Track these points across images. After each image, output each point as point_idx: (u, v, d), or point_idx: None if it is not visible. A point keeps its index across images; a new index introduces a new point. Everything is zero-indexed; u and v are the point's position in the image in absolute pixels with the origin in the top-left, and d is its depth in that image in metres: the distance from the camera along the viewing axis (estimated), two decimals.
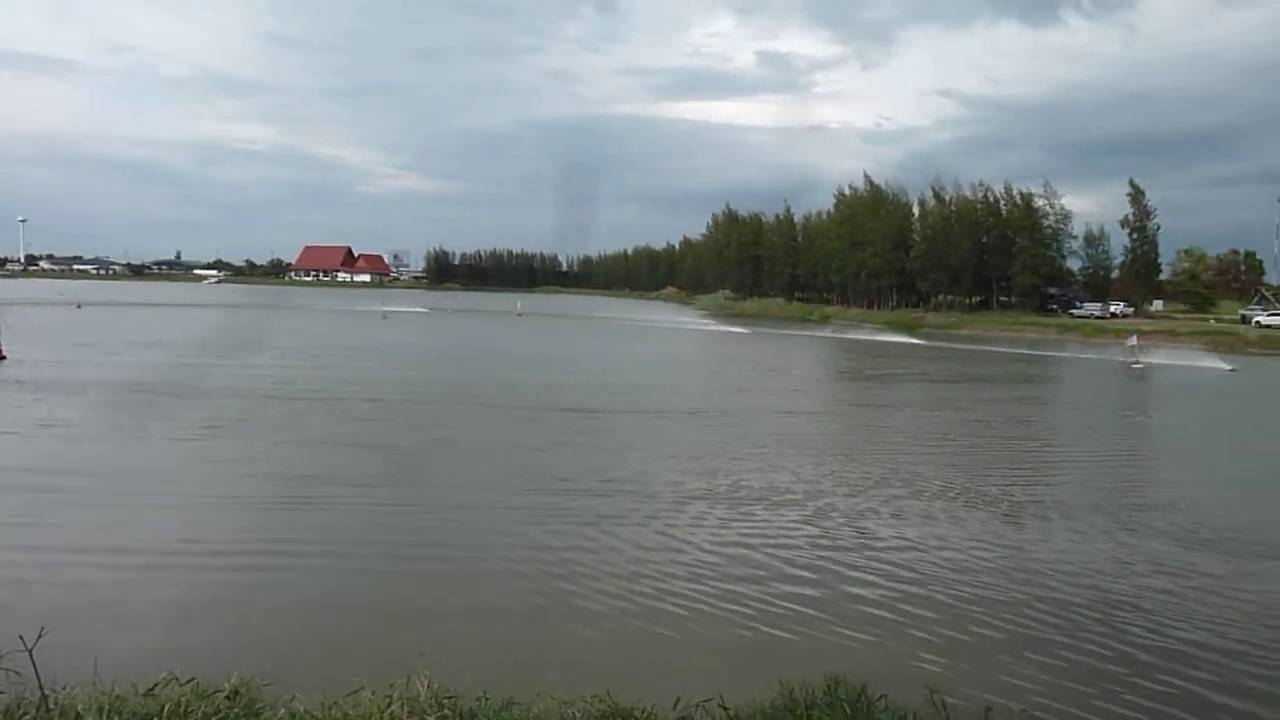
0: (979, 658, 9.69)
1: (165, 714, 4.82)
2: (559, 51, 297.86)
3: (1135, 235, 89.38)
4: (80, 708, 4.81)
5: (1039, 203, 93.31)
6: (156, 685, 5.19)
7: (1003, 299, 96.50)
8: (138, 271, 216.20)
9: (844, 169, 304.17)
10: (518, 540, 13.58)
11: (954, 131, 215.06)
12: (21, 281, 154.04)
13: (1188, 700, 8.82)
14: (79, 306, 76.53)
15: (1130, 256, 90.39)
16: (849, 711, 5.44)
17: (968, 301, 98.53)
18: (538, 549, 13.18)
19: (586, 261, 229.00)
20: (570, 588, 11.50)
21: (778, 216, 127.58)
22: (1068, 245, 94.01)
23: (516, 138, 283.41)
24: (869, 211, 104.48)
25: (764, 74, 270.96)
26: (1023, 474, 19.90)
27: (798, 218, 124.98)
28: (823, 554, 13.24)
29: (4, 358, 35.32)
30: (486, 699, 5.33)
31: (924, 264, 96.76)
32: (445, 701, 5.24)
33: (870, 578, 12.27)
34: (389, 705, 5.17)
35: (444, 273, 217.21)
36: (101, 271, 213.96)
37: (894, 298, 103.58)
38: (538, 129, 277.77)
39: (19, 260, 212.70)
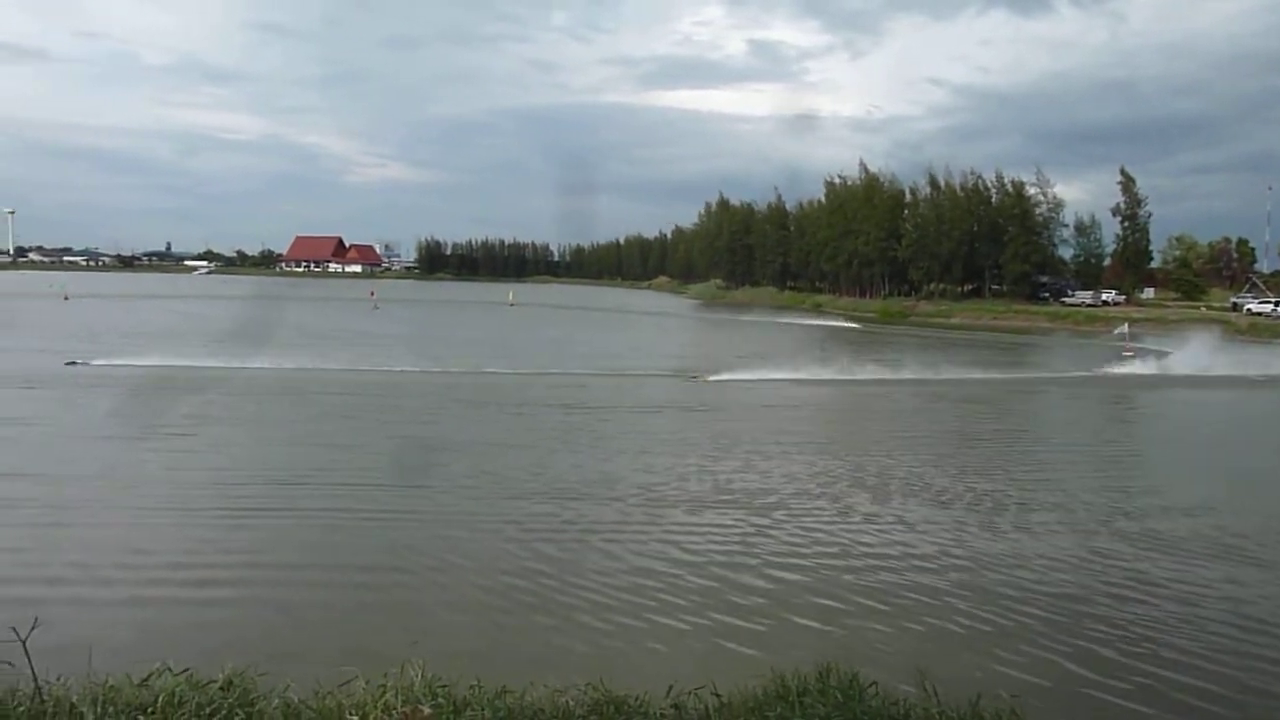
0: (969, 647, 9.78)
1: (160, 704, 4.81)
2: (544, 41, 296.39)
3: (1126, 223, 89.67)
4: (75, 699, 4.80)
5: (1030, 191, 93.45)
6: (150, 676, 5.18)
7: (994, 287, 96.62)
8: (127, 263, 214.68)
9: (833, 158, 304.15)
10: (505, 535, 13.63)
11: (942, 120, 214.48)
12: (11, 274, 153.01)
13: (1180, 687, 8.93)
14: (66, 298, 76.11)
15: (1121, 244, 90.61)
16: (840, 698, 5.48)
17: (959, 290, 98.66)
18: (523, 545, 13.22)
19: (578, 251, 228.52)
20: (556, 582, 11.50)
21: (769, 205, 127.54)
22: (1059, 233, 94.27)
23: (498, 127, 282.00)
24: (861, 200, 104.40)
25: (754, 63, 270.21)
26: (1010, 466, 19.99)
27: (789, 206, 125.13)
28: (807, 543, 13.33)
29: None
30: (480, 687, 5.35)
31: (915, 252, 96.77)
32: (439, 690, 5.26)
33: (857, 566, 12.38)
34: (383, 694, 5.17)
35: (435, 263, 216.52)
36: (91, 263, 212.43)
37: (885, 286, 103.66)
38: (520, 119, 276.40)
39: (8, 252, 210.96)
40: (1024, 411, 30.94)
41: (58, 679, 5.01)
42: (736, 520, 14.45)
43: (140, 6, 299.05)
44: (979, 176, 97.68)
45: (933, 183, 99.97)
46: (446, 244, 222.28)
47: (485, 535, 13.51)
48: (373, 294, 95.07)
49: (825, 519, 14.70)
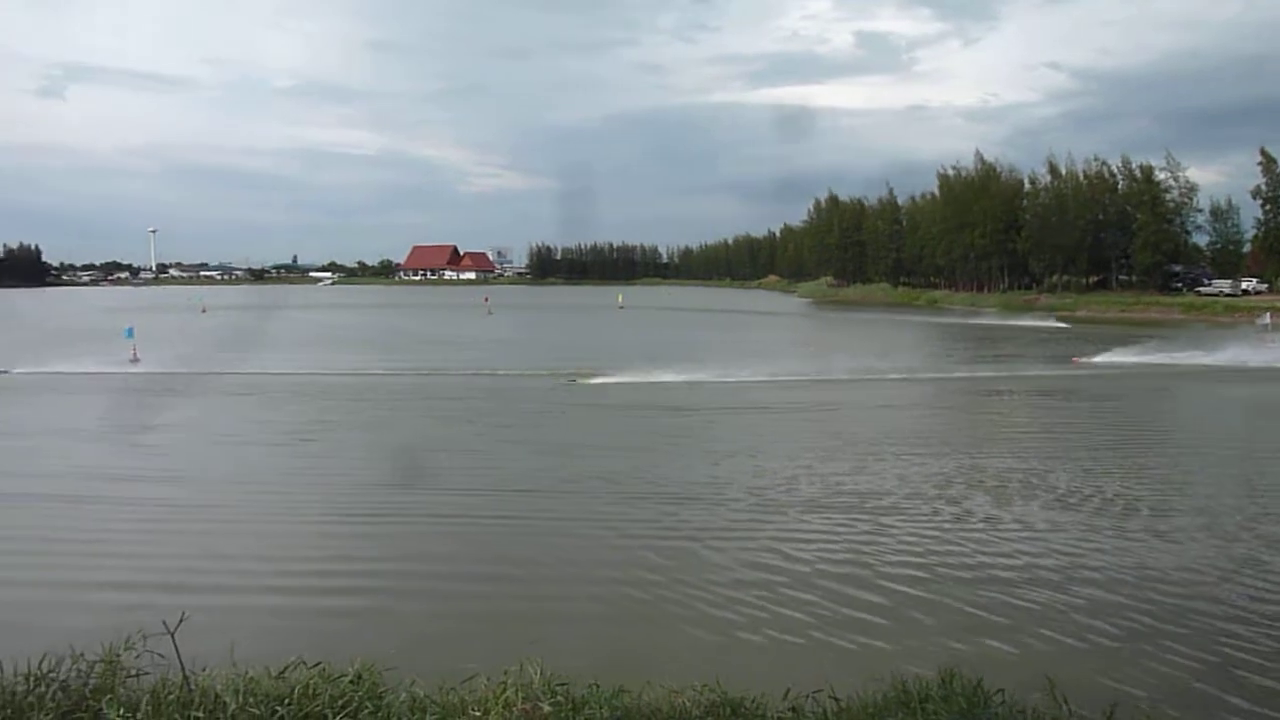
0: (1099, 658, 9.28)
1: (295, 696, 5.06)
2: (651, 44, 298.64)
3: (1268, 206, 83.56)
4: (219, 689, 5.09)
5: (1160, 176, 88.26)
6: (286, 669, 5.45)
7: (1122, 278, 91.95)
8: (258, 276, 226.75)
9: (946, 149, 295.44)
10: (620, 538, 13.75)
11: (1062, 105, 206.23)
12: (155, 289, 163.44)
13: None
14: (204, 310, 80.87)
15: (1263, 230, 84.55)
16: (965, 705, 5.32)
17: (1084, 282, 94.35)
18: (632, 548, 13.30)
19: (686, 253, 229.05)
20: (666, 587, 11.49)
21: (880, 200, 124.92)
22: (1192, 220, 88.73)
23: (607, 132, 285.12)
24: (976, 191, 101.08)
25: (862, 55, 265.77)
26: (1143, 465, 18.99)
27: (901, 200, 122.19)
28: (929, 547, 12.93)
29: (138, 360, 37.64)
30: (597, 687, 5.41)
31: (1036, 244, 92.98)
32: (558, 689, 5.35)
33: (980, 571, 11.93)
34: (503, 691, 5.30)
35: (546, 268, 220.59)
36: (225, 277, 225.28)
37: (1004, 280, 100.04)
38: (629, 122, 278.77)
39: (151, 269, 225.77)
40: (1157, 408, 29.35)
41: (203, 670, 5.32)
42: (848, 523, 14.13)
43: (269, 33, 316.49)
44: (1104, 162, 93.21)
45: (1053, 170, 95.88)
46: (556, 249, 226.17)
47: (596, 539, 13.61)
48: (486, 300, 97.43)
49: (941, 522, 14.23)
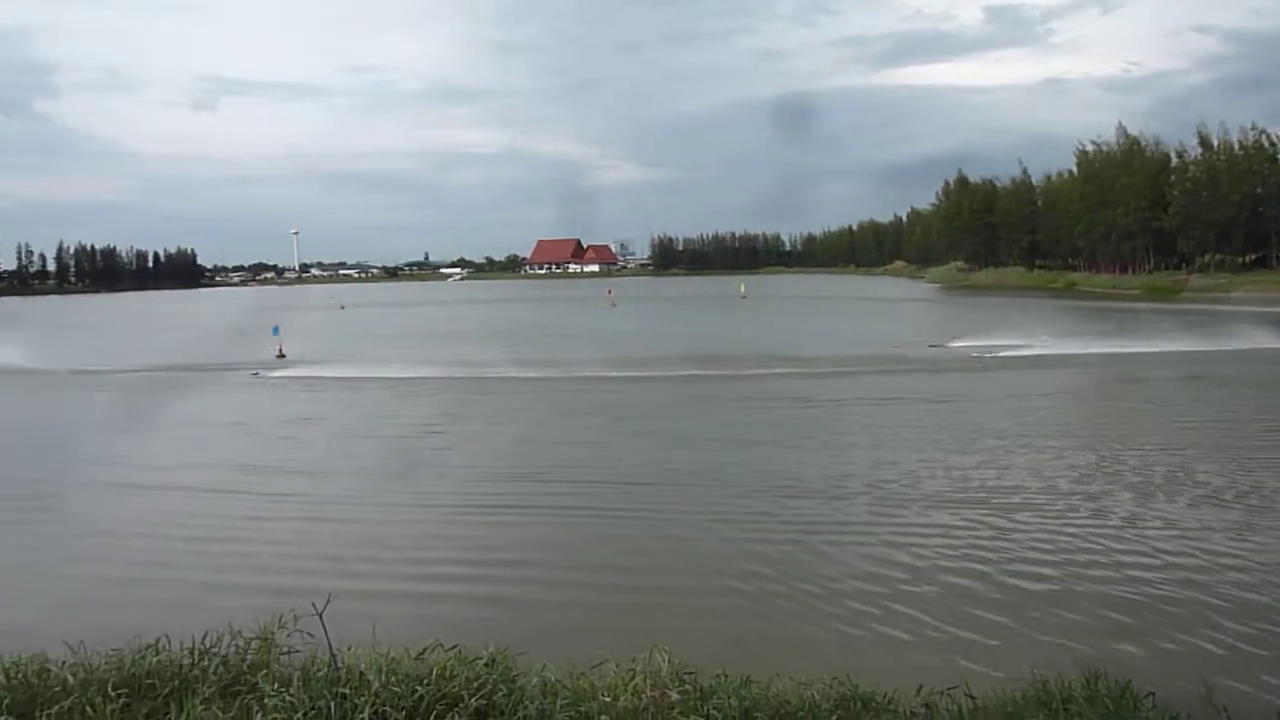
0: (1261, 665, 8.61)
1: (434, 676, 5.28)
2: (770, 30, 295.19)
3: None
4: (363, 667, 5.36)
5: None
6: (425, 650, 5.69)
7: None
8: (392, 273, 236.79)
9: (1085, 123, 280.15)
10: (757, 525, 13.68)
11: (1212, 71, 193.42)
12: (297, 288, 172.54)
13: None
14: (342, 307, 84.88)
15: None
16: (1111, 708, 5.07)
17: (1240, 260, 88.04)
18: (774, 536, 13.21)
19: (809, 240, 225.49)
20: (781, 584, 11.32)
21: (1013, 180, 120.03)
22: None
23: (726, 121, 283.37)
24: (1118, 167, 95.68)
25: (991, 30, 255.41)
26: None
27: (1035, 179, 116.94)
28: (1063, 545, 12.28)
29: (284, 356, 39.81)
30: (725, 677, 5.42)
31: (1184, 221, 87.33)
32: (686, 677, 5.39)
33: (1119, 571, 11.21)
34: (632, 678, 5.37)
35: (668, 259, 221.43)
36: (362, 275, 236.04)
37: (1149, 260, 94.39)
38: (748, 110, 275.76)
39: (294, 269, 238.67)
40: None
41: (348, 649, 5.60)
42: (974, 519, 13.51)
43: (397, 38, 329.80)
44: (1262, 131, 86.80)
45: (1204, 142, 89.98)
46: (678, 240, 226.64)
47: (714, 531, 13.54)
48: (609, 292, 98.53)
49: (1077, 519, 13.39)
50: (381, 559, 12.57)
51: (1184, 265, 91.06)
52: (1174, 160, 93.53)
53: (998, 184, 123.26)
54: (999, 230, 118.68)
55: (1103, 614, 9.92)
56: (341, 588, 8.42)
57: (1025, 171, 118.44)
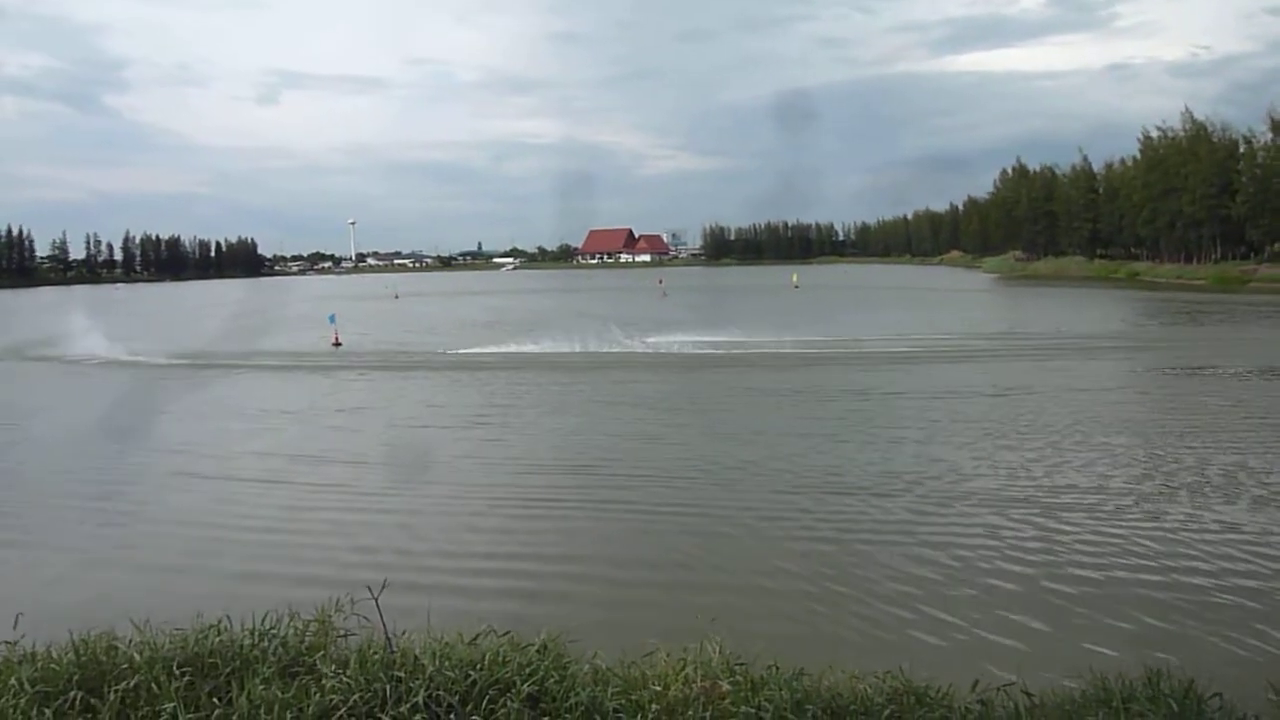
0: None
1: (487, 662, 5.33)
2: (830, 16, 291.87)
3: None
4: (418, 651, 5.44)
5: None
6: (478, 636, 5.75)
7: None
8: (446, 263, 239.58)
9: (1151, 109, 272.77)
10: (805, 518, 13.61)
11: None
12: (354, 277, 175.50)
13: None
14: (396, 297, 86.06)
15: None
16: (1175, 709, 4.94)
17: None
18: (824, 526, 13.11)
19: (864, 229, 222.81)
20: (836, 574, 11.24)
21: (1073, 167, 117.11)
22: None
23: (785, 108, 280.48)
24: (1185, 153, 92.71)
25: (1054, 14, 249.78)
26: None
27: (1096, 167, 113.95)
28: (1115, 546, 11.93)
29: (340, 344, 40.57)
30: (776, 668, 5.39)
31: (1255, 208, 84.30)
32: (737, 668, 5.38)
33: (1171, 576, 10.84)
34: (683, 667, 5.38)
35: (720, 248, 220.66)
36: (416, 264, 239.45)
37: (1216, 249, 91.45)
38: (807, 98, 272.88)
39: (351, 258, 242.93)
40: None
41: (403, 633, 5.69)
42: (1025, 521, 13.16)
43: (455, 29, 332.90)
44: None
45: (1275, 127, 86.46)
46: (730, 229, 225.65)
47: (759, 526, 13.42)
48: (660, 282, 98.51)
49: (1133, 520, 12.94)
50: (431, 551, 12.69)
51: (1252, 254, 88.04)
52: (1243, 147, 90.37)
53: (1058, 171, 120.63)
54: (1058, 219, 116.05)
55: (1150, 620, 9.60)
56: (394, 575, 8.54)
57: (1086, 159, 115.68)
